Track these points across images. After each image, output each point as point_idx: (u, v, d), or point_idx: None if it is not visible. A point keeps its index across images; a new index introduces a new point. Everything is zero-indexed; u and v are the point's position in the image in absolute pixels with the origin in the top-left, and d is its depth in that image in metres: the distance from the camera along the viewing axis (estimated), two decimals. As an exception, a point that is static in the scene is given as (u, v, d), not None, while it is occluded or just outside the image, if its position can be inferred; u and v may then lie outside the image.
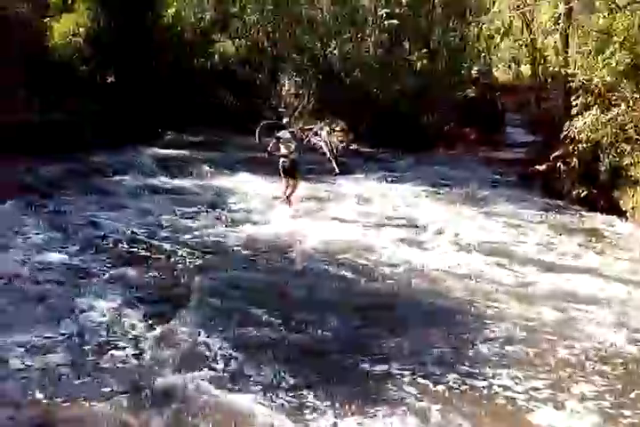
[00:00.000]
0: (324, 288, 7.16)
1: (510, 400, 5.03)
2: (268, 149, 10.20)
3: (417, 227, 9.84)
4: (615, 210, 11.12)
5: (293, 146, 10.04)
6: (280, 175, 10.35)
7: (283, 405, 4.83)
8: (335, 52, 19.16)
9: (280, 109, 19.58)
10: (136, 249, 8.12)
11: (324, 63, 19.18)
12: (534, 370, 5.51)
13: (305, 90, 19.73)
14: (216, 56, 20.15)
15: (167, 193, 11.13)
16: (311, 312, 6.46)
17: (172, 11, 19.83)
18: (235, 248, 8.45)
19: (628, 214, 10.87)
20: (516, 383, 5.27)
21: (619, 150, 11.34)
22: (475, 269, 7.94)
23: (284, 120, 10.60)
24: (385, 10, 18.87)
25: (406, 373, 5.36)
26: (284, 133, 10.20)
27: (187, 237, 8.72)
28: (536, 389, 5.20)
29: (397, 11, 18.89)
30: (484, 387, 5.22)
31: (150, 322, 6.04)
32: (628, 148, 11.23)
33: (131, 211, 9.84)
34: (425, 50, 19.14)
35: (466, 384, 5.23)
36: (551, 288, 7.36)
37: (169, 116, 16.67)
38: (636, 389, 5.23)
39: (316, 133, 10.91)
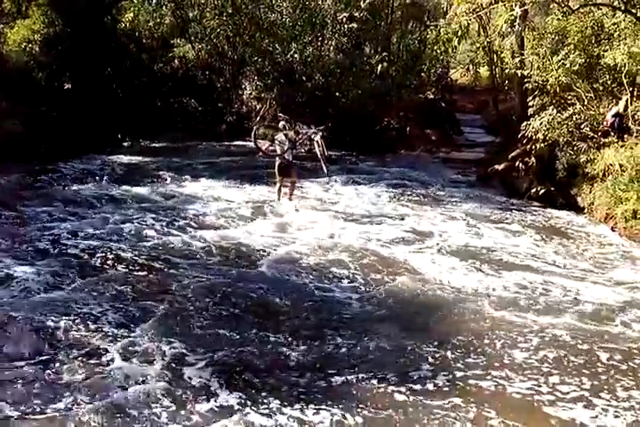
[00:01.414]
0: (291, 292, 7.13)
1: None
2: (262, 148, 10.98)
3: (381, 226, 9.93)
4: (573, 206, 11.39)
5: (286, 147, 10.60)
6: (276, 175, 10.99)
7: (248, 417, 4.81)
8: (296, 55, 19.18)
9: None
10: (97, 259, 7.93)
11: (285, 67, 19.17)
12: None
13: (267, 94, 19.68)
14: (176, 61, 19.98)
15: (128, 201, 10.95)
16: (282, 319, 6.45)
17: (129, 16, 19.62)
18: (198, 255, 8.35)
19: (585, 211, 11.13)
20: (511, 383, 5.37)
21: (575, 148, 11.65)
22: (432, 267, 8.07)
23: (281, 124, 10.99)
24: (345, 14, 18.95)
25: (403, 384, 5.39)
26: (280, 136, 10.75)
27: (149, 245, 8.58)
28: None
29: (357, 14, 18.99)
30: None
31: (114, 334, 5.94)
32: (584, 145, 11.55)
33: (91, 220, 9.63)
34: (385, 53, 19.31)
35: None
36: (509, 285, 7.50)
37: (128, 122, 16.47)
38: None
39: (310, 138, 11.25)
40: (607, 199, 10.35)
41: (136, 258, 8.00)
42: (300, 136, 11.08)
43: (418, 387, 5.24)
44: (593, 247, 9.23)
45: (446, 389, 5.24)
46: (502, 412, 4.92)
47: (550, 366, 5.62)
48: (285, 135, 10.74)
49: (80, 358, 5.48)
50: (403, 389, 5.20)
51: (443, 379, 5.38)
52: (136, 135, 17.06)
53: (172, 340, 5.83)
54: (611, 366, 5.63)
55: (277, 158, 10.85)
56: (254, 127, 10.96)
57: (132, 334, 5.94)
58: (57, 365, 5.36)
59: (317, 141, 11.05)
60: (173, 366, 5.42)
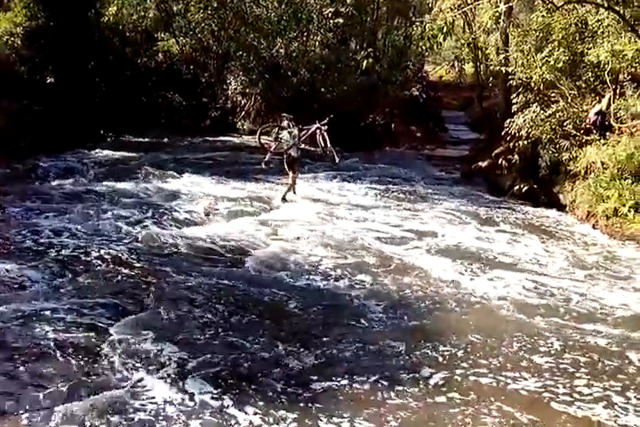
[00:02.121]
0: (278, 290, 7.09)
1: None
2: (268, 147, 11.58)
3: (366, 223, 9.95)
4: (555, 204, 11.47)
5: (291, 143, 11.09)
6: (285, 169, 11.44)
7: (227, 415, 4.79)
8: (281, 50, 19.10)
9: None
10: (80, 256, 7.81)
11: (270, 62, 19.09)
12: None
13: (252, 89, 19.59)
14: (160, 55, 19.81)
15: (111, 197, 10.82)
16: (264, 318, 6.40)
17: (113, 9, 19.40)
18: (184, 252, 8.27)
19: (567, 208, 11.21)
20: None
21: (558, 146, 11.72)
22: (420, 264, 8.08)
23: (285, 122, 11.49)
24: (330, 9, 18.90)
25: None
26: (284, 134, 11.23)
27: (132, 242, 8.49)
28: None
29: (343, 10, 18.94)
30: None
31: (97, 332, 5.87)
32: (567, 143, 11.62)
33: (73, 216, 9.49)
34: (370, 49, 19.28)
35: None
36: (493, 281, 7.54)
37: (112, 117, 16.30)
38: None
39: (314, 133, 11.64)
40: (589, 197, 10.43)
41: (120, 255, 7.89)
42: (303, 133, 11.48)
43: (430, 389, 5.21)
44: (575, 246, 9.31)
45: (459, 389, 5.22)
46: (516, 410, 4.93)
47: (564, 367, 5.62)
48: (290, 133, 11.19)
49: (65, 358, 5.41)
50: (414, 391, 5.17)
51: (454, 380, 5.34)
52: (119, 130, 16.88)
53: (159, 340, 5.76)
54: (627, 366, 5.67)
55: (284, 155, 11.29)
56: (259, 127, 11.53)
57: (118, 333, 5.86)
58: (41, 364, 5.29)
59: (323, 135, 11.51)
60: (161, 366, 5.36)
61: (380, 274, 7.73)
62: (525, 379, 5.38)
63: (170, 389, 5.03)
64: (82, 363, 5.33)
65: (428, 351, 5.83)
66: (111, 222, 9.27)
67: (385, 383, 5.25)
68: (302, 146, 11.74)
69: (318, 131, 11.56)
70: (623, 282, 7.73)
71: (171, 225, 9.43)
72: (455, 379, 5.35)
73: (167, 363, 5.40)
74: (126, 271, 7.45)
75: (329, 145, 11.58)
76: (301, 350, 5.77)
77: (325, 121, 11.66)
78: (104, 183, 11.72)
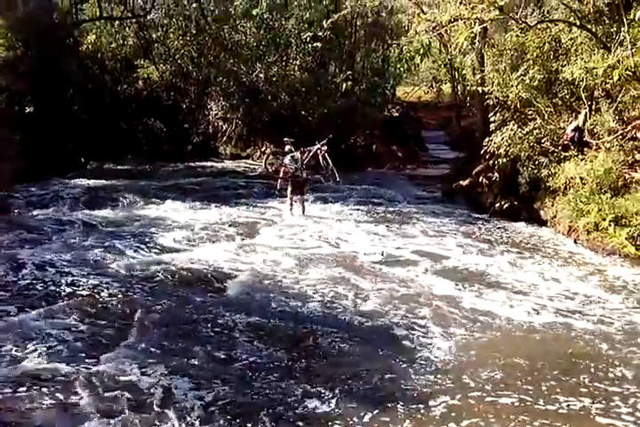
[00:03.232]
0: (261, 314, 6.99)
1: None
2: (275, 174, 12.08)
3: (349, 244, 9.94)
4: (536, 220, 11.54)
5: (295, 167, 11.63)
6: (288, 193, 11.91)
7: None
8: (261, 75, 19.26)
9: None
10: (63, 286, 7.66)
11: (250, 87, 19.22)
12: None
13: (233, 114, 19.69)
14: (140, 82, 19.89)
15: (92, 226, 10.72)
16: (250, 343, 6.30)
17: (91, 37, 19.52)
18: (165, 280, 8.13)
19: (548, 224, 11.27)
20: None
21: (536, 163, 11.81)
22: (408, 282, 8.05)
23: (287, 147, 11.92)
24: (308, 33, 19.13)
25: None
26: (287, 158, 11.71)
27: (113, 271, 8.34)
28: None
29: (321, 34, 19.18)
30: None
31: (78, 363, 5.72)
32: (545, 160, 11.73)
33: (52, 246, 9.37)
34: (349, 71, 19.51)
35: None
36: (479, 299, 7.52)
37: (92, 145, 16.27)
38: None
39: (315, 154, 11.89)
40: (569, 212, 10.49)
41: (101, 285, 7.75)
42: (305, 155, 11.79)
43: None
44: (558, 260, 9.31)
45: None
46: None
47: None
48: (292, 157, 11.66)
49: (44, 388, 5.26)
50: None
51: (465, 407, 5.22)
52: (100, 158, 16.85)
53: (140, 368, 5.63)
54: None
55: (292, 178, 11.80)
56: (265, 156, 12.25)
57: (98, 363, 5.72)
58: (19, 394, 5.15)
59: (323, 155, 11.85)
60: (140, 395, 5.23)
61: (370, 293, 7.66)
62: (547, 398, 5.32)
63: (155, 419, 4.90)
64: (61, 393, 5.19)
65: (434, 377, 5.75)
66: (93, 252, 9.13)
67: (384, 407, 5.16)
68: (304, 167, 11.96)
69: (319, 151, 11.86)
70: (616, 296, 7.74)
71: (153, 252, 9.31)
72: (468, 403, 5.26)
73: (153, 393, 5.26)
74: (110, 301, 7.30)
75: (330, 164, 11.89)
76: (293, 375, 5.67)
77: (325, 141, 11.97)
78: (85, 212, 11.62)
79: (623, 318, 7.04)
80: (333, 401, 5.21)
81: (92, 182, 14.67)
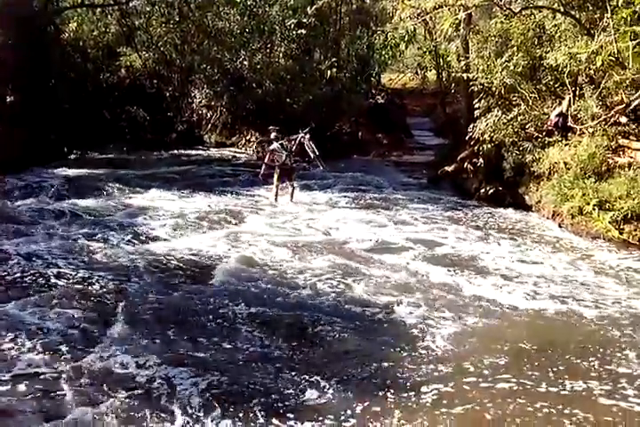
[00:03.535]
0: (249, 302, 6.95)
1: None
2: (265, 161, 12.02)
3: (338, 231, 9.97)
4: (521, 205, 11.63)
5: (284, 155, 11.73)
6: (274, 179, 11.97)
7: None
8: (245, 62, 19.12)
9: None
10: (49, 277, 7.58)
11: (234, 74, 19.08)
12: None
13: (217, 102, 19.55)
14: (122, 70, 19.67)
15: (76, 216, 10.61)
16: (242, 331, 6.28)
17: (73, 25, 19.25)
18: (151, 269, 8.06)
19: (533, 209, 11.37)
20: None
21: (521, 148, 11.89)
22: (400, 268, 8.11)
23: (273, 135, 12.01)
24: (293, 20, 18.99)
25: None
26: (275, 145, 11.80)
27: (98, 260, 8.28)
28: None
29: (305, 21, 19.05)
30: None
31: (65, 354, 5.68)
32: (530, 145, 11.80)
33: (39, 237, 9.28)
34: (334, 59, 19.43)
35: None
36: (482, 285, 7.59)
37: (75, 134, 16.09)
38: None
39: (300, 142, 12.02)
40: (553, 197, 10.57)
41: (87, 275, 7.66)
42: (292, 143, 11.93)
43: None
44: (544, 244, 9.42)
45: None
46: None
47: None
48: (281, 144, 11.78)
49: (29, 380, 5.23)
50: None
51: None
52: (83, 147, 16.69)
53: (132, 358, 5.61)
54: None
55: (280, 166, 11.83)
56: (255, 142, 12.30)
57: (89, 353, 5.70)
58: (6, 387, 5.12)
59: (307, 143, 11.96)
60: (133, 385, 5.21)
61: (363, 280, 7.67)
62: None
63: (147, 409, 4.89)
64: (46, 384, 5.17)
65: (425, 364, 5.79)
66: (78, 242, 9.05)
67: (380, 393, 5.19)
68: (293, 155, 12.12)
69: (304, 139, 11.97)
70: (607, 280, 7.81)
71: (139, 242, 9.24)
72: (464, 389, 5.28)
73: (145, 383, 5.25)
74: (97, 291, 7.24)
75: (316, 152, 12.03)
76: (288, 364, 5.65)
77: (307, 129, 12.08)
78: (69, 202, 11.51)
79: (618, 302, 7.08)
80: (329, 390, 5.19)
81: (75, 172, 14.53)
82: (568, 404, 5.01)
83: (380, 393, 5.18)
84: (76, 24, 19.26)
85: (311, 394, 5.14)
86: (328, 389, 5.22)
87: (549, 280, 7.78)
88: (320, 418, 4.83)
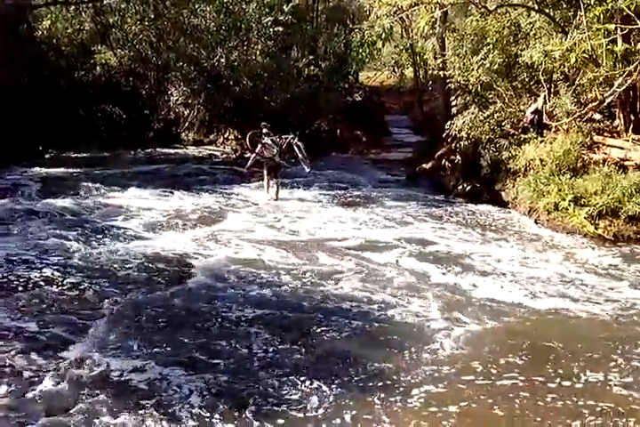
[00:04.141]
0: (228, 302, 6.95)
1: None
2: (256, 151, 12.07)
3: (318, 230, 9.97)
4: (498, 201, 11.74)
5: (275, 150, 11.97)
6: (265, 175, 12.17)
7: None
8: (222, 60, 19.01)
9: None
10: (19, 278, 7.46)
11: (211, 72, 18.96)
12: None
13: (194, 100, 19.41)
14: (97, 68, 19.42)
15: (51, 215, 10.42)
16: (222, 331, 6.25)
17: (47, 23, 18.96)
18: (128, 269, 7.98)
19: (510, 205, 11.48)
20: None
21: (497, 145, 12.01)
22: (381, 265, 8.12)
23: (265, 130, 12.25)
24: (269, 18, 18.94)
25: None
26: (267, 140, 12.02)
27: (74, 261, 8.13)
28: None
29: (282, 18, 19.00)
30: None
31: (41, 355, 5.61)
32: (506, 142, 11.93)
33: (13, 237, 9.12)
34: (312, 56, 19.42)
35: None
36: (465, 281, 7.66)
37: (49, 133, 15.86)
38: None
39: (289, 143, 12.41)
40: (529, 193, 10.69)
41: (62, 275, 7.55)
42: (282, 141, 12.25)
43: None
44: (521, 240, 9.52)
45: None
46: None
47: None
48: (272, 140, 12.05)
49: (5, 382, 5.16)
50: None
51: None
52: (58, 146, 16.43)
53: (109, 358, 5.57)
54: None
55: (267, 161, 12.05)
56: (248, 135, 12.24)
57: (66, 354, 5.64)
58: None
59: (297, 145, 12.36)
60: (110, 384, 5.17)
61: (349, 279, 7.67)
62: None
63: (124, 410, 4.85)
64: (23, 386, 5.10)
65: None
66: (51, 242, 8.88)
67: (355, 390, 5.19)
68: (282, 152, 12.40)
69: (293, 141, 12.33)
70: (593, 277, 7.88)
71: (116, 241, 9.12)
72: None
73: (123, 382, 5.22)
74: (72, 292, 7.15)
75: (305, 154, 12.42)
76: (267, 362, 5.65)
77: (297, 132, 12.59)
78: (44, 201, 11.32)
79: (609, 298, 7.12)
80: (324, 392, 5.17)
81: (50, 171, 14.32)
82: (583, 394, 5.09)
83: (374, 393, 5.15)
84: (49, 22, 18.97)
85: (299, 394, 5.12)
86: (323, 390, 5.18)
87: (535, 278, 7.80)
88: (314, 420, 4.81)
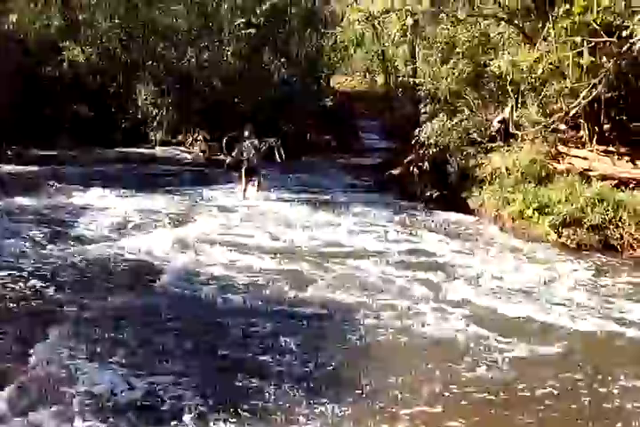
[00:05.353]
0: (196, 306, 6.91)
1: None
2: (233, 154, 12.47)
3: (285, 234, 9.92)
4: (464, 209, 11.86)
5: (252, 152, 12.29)
6: (241, 177, 12.56)
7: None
8: (192, 60, 18.84)
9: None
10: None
11: (181, 72, 18.77)
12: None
13: (163, 99, 19.18)
14: (64, 65, 19.04)
15: (10, 215, 10.20)
16: (187, 337, 6.16)
17: (13, 18, 18.55)
18: (94, 272, 7.83)
19: (476, 212, 11.61)
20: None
21: (465, 153, 12.15)
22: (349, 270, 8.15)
23: (246, 133, 12.50)
24: (241, 19, 18.85)
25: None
26: (246, 143, 12.34)
27: (34, 263, 7.92)
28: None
29: (254, 20, 18.93)
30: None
31: (8, 360, 5.49)
32: (473, 150, 12.07)
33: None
34: (283, 59, 19.38)
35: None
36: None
37: (14, 130, 15.50)
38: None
39: (270, 146, 12.70)
40: (495, 201, 10.84)
41: (20, 279, 7.34)
42: (262, 144, 12.51)
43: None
44: (486, 246, 9.62)
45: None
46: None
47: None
48: (251, 143, 12.33)
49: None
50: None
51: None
52: (22, 144, 16.07)
53: (61, 371, 5.40)
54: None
55: (244, 163, 12.38)
56: (224, 138, 12.84)
57: (25, 360, 5.49)
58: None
59: (277, 147, 12.64)
60: (65, 396, 5.02)
61: (316, 283, 7.67)
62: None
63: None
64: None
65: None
66: (10, 242, 8.70)
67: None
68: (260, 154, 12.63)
69: (274, 144, 12.63)
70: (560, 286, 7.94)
71: (77, 243, 8.94)
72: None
73: (82, 388, 5.10)
74: (33, 295, 6.96)
75: (283, 157, 12.70)
76: (235, 368, 5.58)
77: (276, 138, 12.87)
78: (5, 200, 11.07)
79: (594, 313, 7.06)
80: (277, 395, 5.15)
81: (12, 168, 14.01)
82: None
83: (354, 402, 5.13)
84: (16, 16, 18.56)
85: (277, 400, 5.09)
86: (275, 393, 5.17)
87: (514, 289, 7.77)
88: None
